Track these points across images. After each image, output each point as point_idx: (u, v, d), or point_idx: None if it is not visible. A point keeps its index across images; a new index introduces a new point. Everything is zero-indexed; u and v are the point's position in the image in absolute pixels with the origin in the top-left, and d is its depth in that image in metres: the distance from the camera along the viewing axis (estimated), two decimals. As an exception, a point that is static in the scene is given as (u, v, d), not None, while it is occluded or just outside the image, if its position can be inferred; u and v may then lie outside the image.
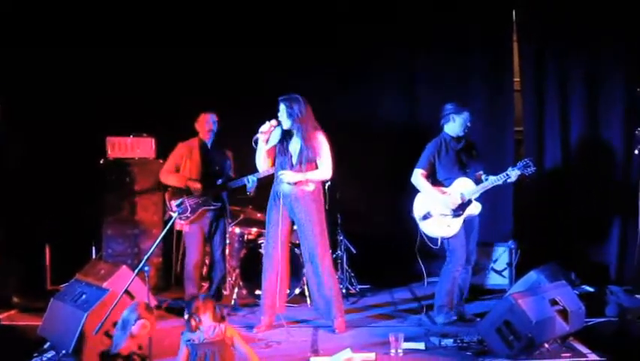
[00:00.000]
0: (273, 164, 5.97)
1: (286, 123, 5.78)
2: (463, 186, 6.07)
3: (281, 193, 5.80)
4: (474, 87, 7.96)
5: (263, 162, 5.94)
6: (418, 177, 6.12)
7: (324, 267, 5.82)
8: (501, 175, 5.96)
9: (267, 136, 5.81)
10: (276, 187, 5.87)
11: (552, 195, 7.78)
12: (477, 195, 6.06)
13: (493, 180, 5.99)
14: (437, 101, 6.66)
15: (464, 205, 6.03)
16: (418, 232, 6.22)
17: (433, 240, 6.12)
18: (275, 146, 5.89)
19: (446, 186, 6.11)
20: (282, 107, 5.75)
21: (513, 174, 5.92)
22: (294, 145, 5.81)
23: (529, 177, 6.04)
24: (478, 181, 6.11)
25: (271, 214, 5.90)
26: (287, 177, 5.73)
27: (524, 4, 7.79)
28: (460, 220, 6.03)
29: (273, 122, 5.77)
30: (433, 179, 6.17)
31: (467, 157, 6.20)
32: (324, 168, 5.80)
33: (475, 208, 6.07)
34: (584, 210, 7.65)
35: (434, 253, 6.42)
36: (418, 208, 6.19)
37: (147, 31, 7.74)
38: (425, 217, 6.13)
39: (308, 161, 5.77)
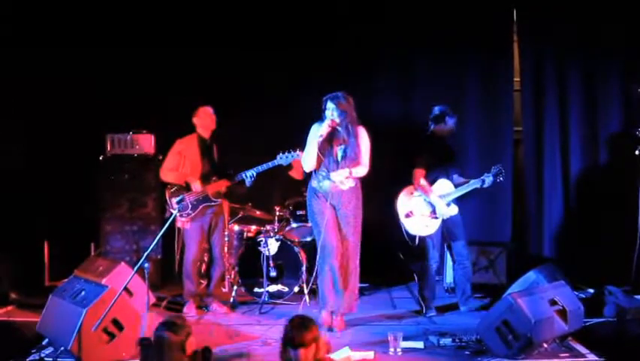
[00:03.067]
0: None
1: (337, 121, 5.69)
2: (443, 189, 6.34)
3: (323, 190, 5.78)
4: (474, 86, 7.96)
5: (314, 162, 5.76)
6: (422, 179, 6.30)
7: (355, 263, 5.87)
8: (477, 180, 6.32)
9: (324, 137, 5.70)
10: (316, 185, 5.83)
11: (550, 194, 7.78)
12: (454, 197, 6.34)
13: (470, 185, 6.34)
14: (435, 101, 6.70)
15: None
16: (398, 229, 6.38)
17: (412, 237, 6.32)
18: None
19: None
20: (332, 105, 5.66)
21: (488, 180, 6.29)
22: (339, 142, 5.75)
23: (501, 182, 6.45)
24: (457, 184, 6.39)
25: (316, 207, 5.83)
26: (338, 176, 5.69)
27: (525, 3, 7.78)
28: (438, 222, 6.31)
29: (331, 122, 5.66)
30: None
31: (449, 159, 6.49)
32: (365, 164, 5.80)
33: (452, 210, 6.31)
34: (582, 210, 7.68)
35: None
36: (401, 206, 6.36)
37: (148, 31, 7.77)
38: (407, 215, 6.32)
39: (352, 157, 5.74)
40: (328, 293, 5.81)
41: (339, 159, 5.74)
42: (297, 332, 3.84)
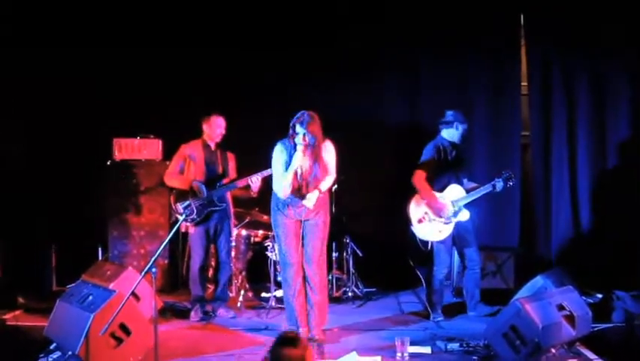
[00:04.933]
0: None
1: (309, 145, 5.48)
2: (454, 194, 6.33)
3: (294, 208, 5.60)
4: (481, 91, 7.93)
5: (290, 189, 5.55)
6: (422, 179, 6.25)
7: (323, 270, 5.73)
8: (489, 185, 6.32)
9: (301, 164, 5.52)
10: (284, 203, 5.62)
11: (558, 198, 7.76)
12: (465, 202, 6.33)
13: (482, 190, 6.33)
14: (442, 104, 6.70)
15: (455, 213, 6.29)
16: (410, 235, 6.38)
17: (425, 243, 6.33)
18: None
19: (439, 192, 6.32)
20: (302, 130, 5.41)
21: (499, 185, 6.30)
22: (305, 162, 5.54)
23: (510, 187, 6.47)
24: (468, 190, 6.37)
25: (284, 224, 5.66)
26: (311, 202, 5.51)
27: (532, 8, 7.76)
28: (450, 227, 6.29)
29: (304, 148, 5.45)
30: (429, 183, 6.33)
31: (459, 165, 6.45)
32: (332, 176, 5.66)
33: (463, 215, 6.31)
34: (590, 214, 7.66)
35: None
36: (413, 212, 6.34)
37: (153, 32, 7.77)
38: (420, 221, 6.30)
39: (318, 177, 5.57)
40: (298, 311, 5.68)
41: (309, 179, 5.56)
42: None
